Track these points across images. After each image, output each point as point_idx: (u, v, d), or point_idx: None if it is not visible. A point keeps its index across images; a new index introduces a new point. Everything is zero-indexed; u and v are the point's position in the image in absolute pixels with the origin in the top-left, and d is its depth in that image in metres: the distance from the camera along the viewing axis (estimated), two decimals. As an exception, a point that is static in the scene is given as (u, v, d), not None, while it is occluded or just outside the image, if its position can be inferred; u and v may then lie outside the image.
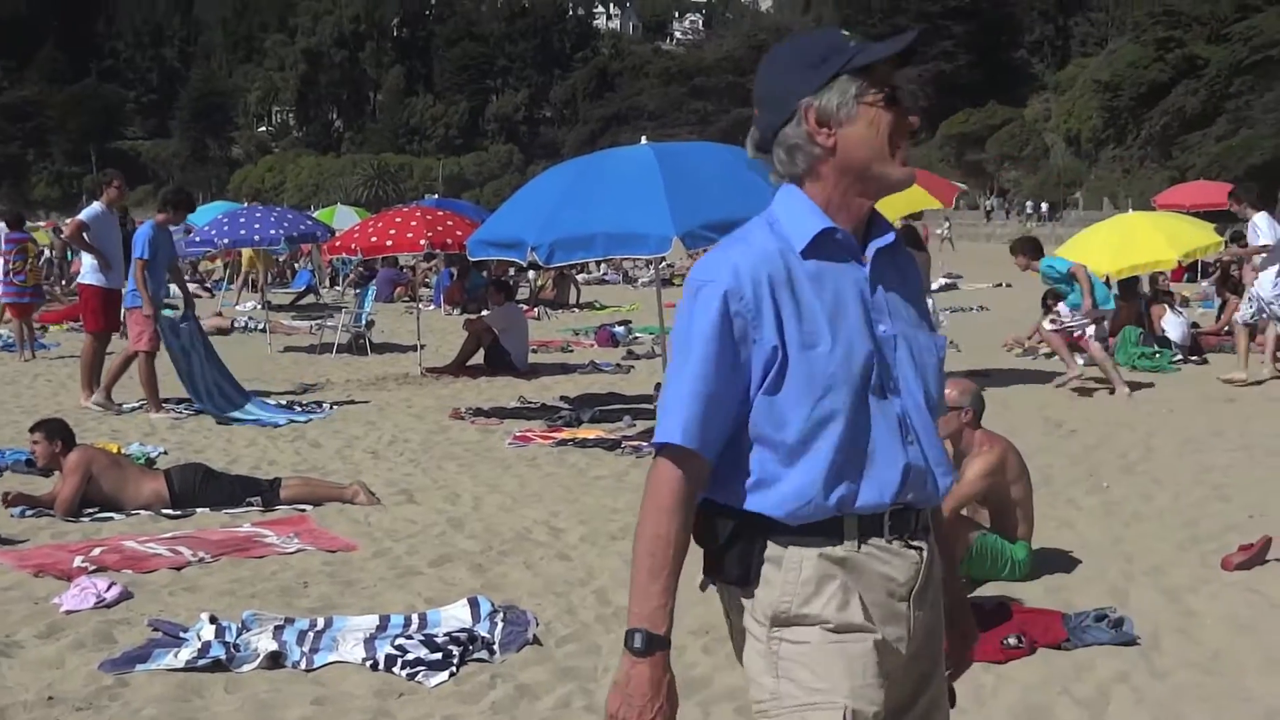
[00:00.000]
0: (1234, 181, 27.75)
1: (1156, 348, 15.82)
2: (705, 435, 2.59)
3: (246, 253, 26.23)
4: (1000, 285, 30.85)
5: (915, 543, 2.70)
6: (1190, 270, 26.08)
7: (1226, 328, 17.20)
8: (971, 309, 25.32)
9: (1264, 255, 14.14)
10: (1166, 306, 16.84)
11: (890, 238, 2.72)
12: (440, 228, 16.33)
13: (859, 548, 2.63)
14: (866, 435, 2.62)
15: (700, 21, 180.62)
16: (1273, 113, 62.10)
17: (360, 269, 28.04)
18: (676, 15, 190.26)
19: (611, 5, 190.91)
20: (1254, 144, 61.48)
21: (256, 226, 19.53)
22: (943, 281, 30.83)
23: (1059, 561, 7.23)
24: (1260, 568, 7.04)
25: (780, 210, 2.70)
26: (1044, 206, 77.51)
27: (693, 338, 2.59)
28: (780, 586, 2.63)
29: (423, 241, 16.09)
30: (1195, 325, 17.48)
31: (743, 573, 2.65)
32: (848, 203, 2.67)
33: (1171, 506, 8.66)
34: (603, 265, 33.67)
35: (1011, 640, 5.76)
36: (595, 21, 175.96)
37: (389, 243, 16.56)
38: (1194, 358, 16.03)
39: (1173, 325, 16.38)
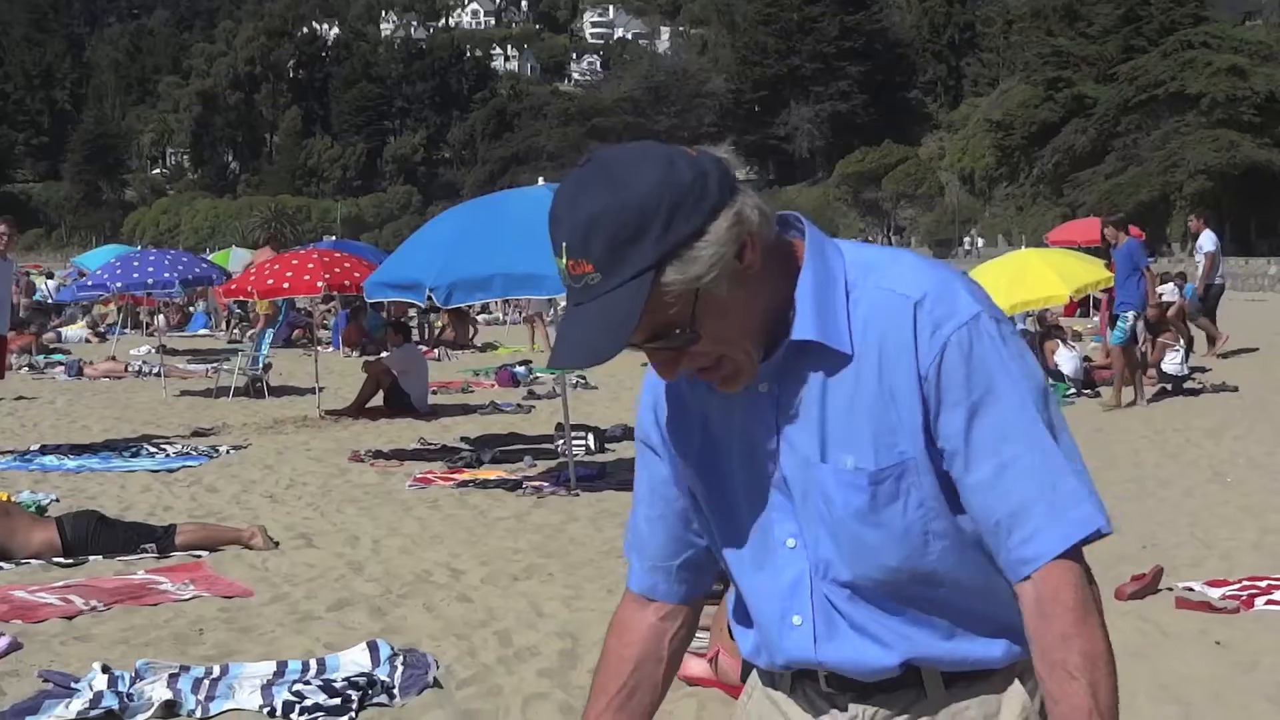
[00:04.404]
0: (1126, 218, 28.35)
1: (1051, 382, 16.05)
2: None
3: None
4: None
5: (857, 704, 2.05)
6: (1083, 305, 26.54)
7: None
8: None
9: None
10: (1059, 342, 17.12)
11: (787, 346, 1.92)
12: (338, 269, 16.22)
13: (791, 687, 2.12)
14: (750, 596, 2.11)
15: (598, 63, 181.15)
16: (1159, 150, 63.60)
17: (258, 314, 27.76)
18: (574, 57, 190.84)
19: (509, 47, 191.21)
20: (1142, 181, 62.90)
21: (150, 270, 19.29)
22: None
23: (957, 594, 7.29)
24: (1152, 597, 7.17)
25: None
26: (980, 242, 78.38)
27: None
28: None
29: (320, 283, 15.96)
30: (1088, 359, 17.79)
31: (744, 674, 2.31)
32: None
33: (1066, 538, 8.76)
34: (505, 306, 33.54)
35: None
36: (493, 63, 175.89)
37: (286, 285, 16.41)
38: (1087, 391, 16.30)
39: (1065, 360, 16.65)
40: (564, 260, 1.80)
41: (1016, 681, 2.01)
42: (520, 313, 32.66)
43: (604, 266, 1.77)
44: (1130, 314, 14.81)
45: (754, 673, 2.21)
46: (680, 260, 1.78)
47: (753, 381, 1.92)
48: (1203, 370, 18.08)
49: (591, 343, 1.79)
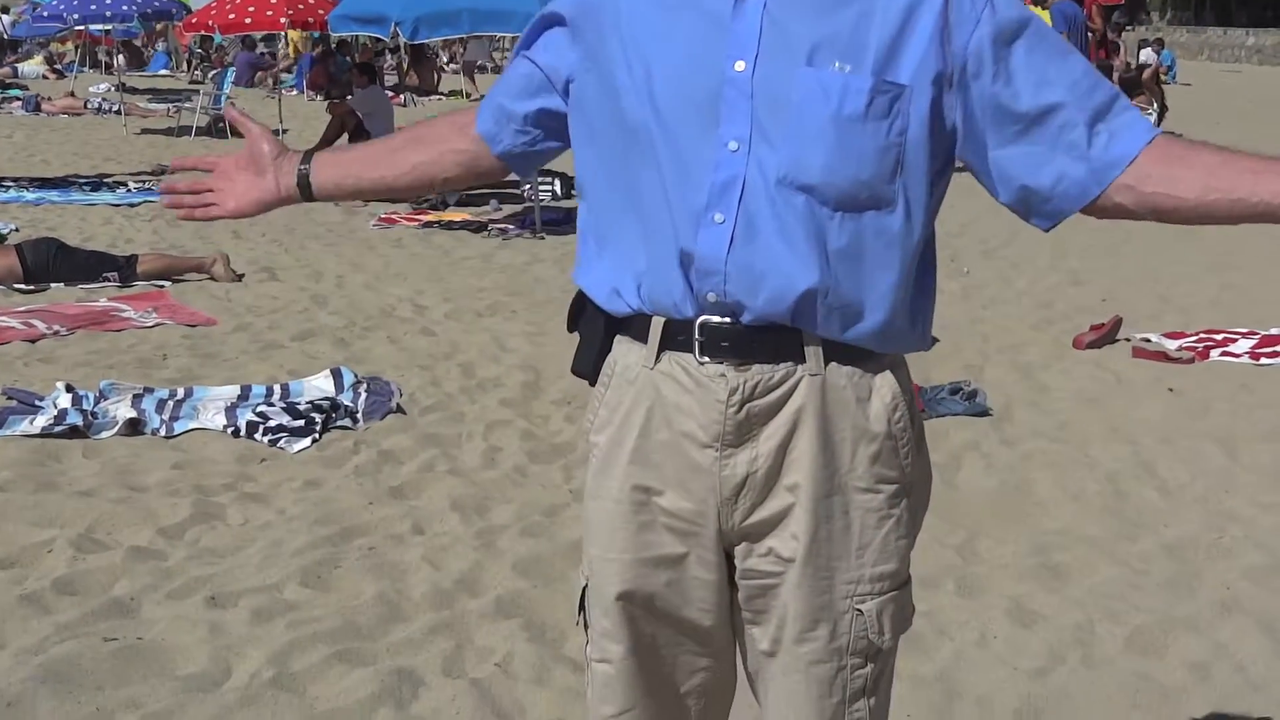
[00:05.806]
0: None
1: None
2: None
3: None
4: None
5: (740, 367, 1.94)
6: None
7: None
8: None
9: None
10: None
11: None
12: (301, 5, 15.84)
13: (655, 360, 2.00)
14: (658, 206, 1.96)
15: None
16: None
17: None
18: None
19: None
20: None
21: (108, 2, 18.75)
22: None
23: (917, 339, 7.35)
24: (1110, 346, 7.27)
25: None
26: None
27: None
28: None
29: (283, 19, 15.60)
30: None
31: (589, 369, 2.12)
32: None
33: (1029, 290, 8.85)
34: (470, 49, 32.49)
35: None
36: None
37: (248, 20, 16.03)
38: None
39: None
40: None
41: (889, 370, 2.00)
42: (458, 59, 31.20)
43: None
44: None
45: (605, 368, 2.09)
46: None
47: None
48: (1174, 135, 18.01)
49: None
